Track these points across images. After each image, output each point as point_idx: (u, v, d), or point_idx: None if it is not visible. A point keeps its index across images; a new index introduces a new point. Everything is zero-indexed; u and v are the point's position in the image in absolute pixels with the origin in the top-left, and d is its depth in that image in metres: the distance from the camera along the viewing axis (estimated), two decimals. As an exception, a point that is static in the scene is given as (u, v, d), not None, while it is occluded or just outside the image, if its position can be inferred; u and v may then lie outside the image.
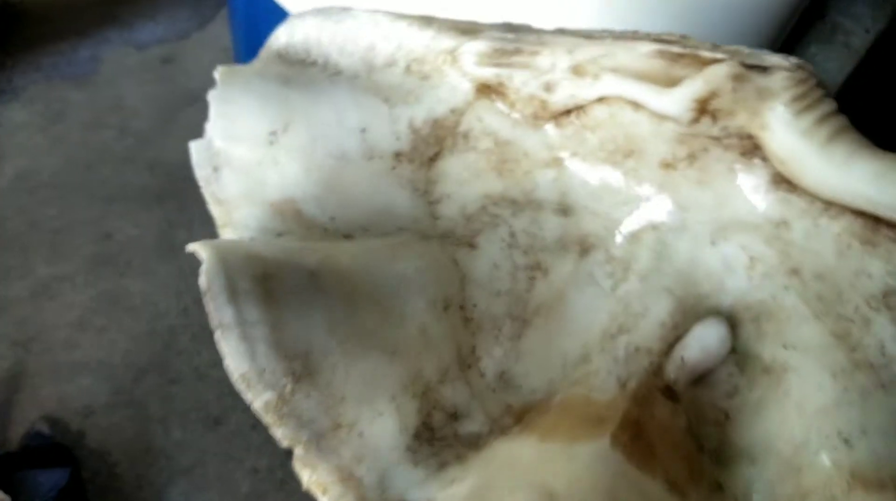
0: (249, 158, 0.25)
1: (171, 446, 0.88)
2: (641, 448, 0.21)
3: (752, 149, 0.25)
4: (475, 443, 0.23)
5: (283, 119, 0.25)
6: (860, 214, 0.23)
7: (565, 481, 0.18)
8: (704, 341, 0.24)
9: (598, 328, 0.26)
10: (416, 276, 0.24)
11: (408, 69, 0.28)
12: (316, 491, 0.20)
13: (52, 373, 0.92)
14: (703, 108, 0.24)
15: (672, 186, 0.26)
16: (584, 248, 0.27)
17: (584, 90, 0.25)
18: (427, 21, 0.28)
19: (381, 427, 0.22)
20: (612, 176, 0.27)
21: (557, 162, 0.27)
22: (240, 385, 0.18)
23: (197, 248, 0.19)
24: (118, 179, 1.09)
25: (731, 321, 0.25)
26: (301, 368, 0.20)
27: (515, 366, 0.26)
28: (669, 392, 0.24)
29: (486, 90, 0.27)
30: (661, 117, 0.25)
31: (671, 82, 0.24)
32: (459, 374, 0.24)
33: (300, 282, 0.20)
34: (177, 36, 1.27)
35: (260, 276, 0.19)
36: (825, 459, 0.21)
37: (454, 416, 0.23)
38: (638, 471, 0.20)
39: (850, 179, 0.22)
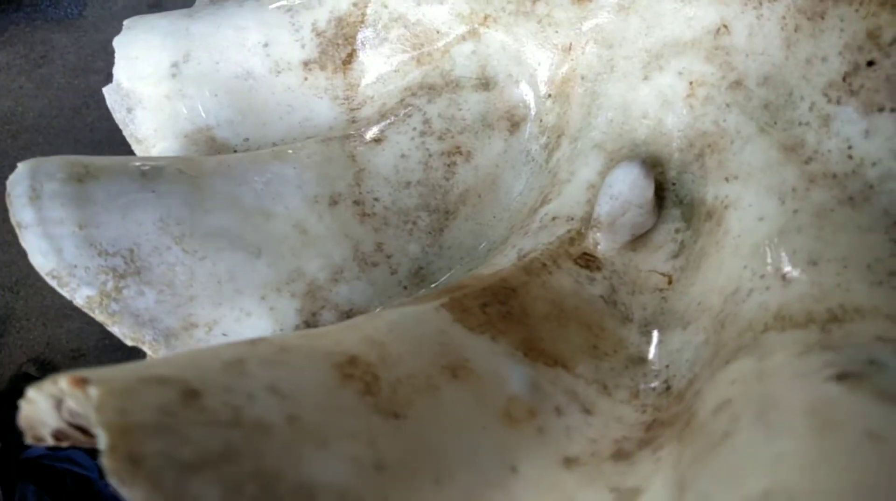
0: (157, 94, 0.25)
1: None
2: (498, 312, 0.17)
3: (669, -52, 0.20)
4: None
5: (183, 49, 0.25)
6: (801, -18, 0.17)
7: (370, 342, 0.15)
8: (613, 188, 0.19)
9: (526, 208, 0.22)
10: (293, 174, 0.22)
11: (315, -24, 0.26)
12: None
13: (41, 316, 0.88)
14: None
15: (592, 21, 0.22)
16: (514, 122, 0.23)
17: (468, -62, 0.22)
18: (326, -79, 0.26)
19: (250, 328, 0.20)
20: (527, 30, 0.23)
21: (473, 33, 0.24)
22: (51, 282, 0.18)
23: (19, 164, 0.19)
24: (105, 124, 1.03)
25: (673, 166, 0.20)
26: (124, 265, 0.19)
27: (437, 261, 0.23)
28: (586, 260, 0.20)
29: (384, -27, 0.25)
30: (546, -61, 0.21)
31: None
32: (359, 273, 0.22)
33: (127, 182, 0.20)
34: None
35: (73, 178, 0.19)
36: (752, 303, 0.16)
37: (349, 314, 0.21)
38: (465, 331, 0.16)
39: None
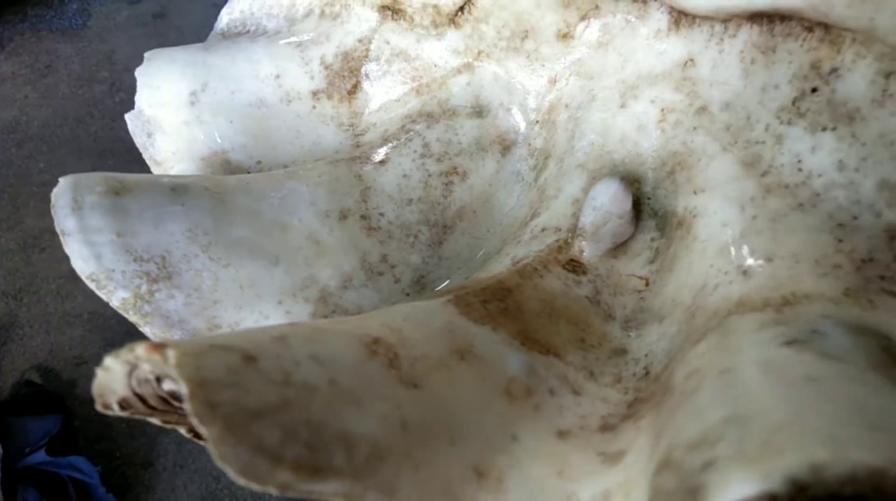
0: (176, 121, 0.27)
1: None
2: (497, 308, 0.19)
3: (641, -8, 0.23)
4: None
5: (201, 80, 0.28)
6: (755, 20, 0.20)
7: (389, 328, 0.17)
8: (596, 200, 0.21)
9: (517, 222, 0.25)
10: (306, 191, 0.24)
11: (322, 14, 0.29)
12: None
13: (44, 324, 0.89)
14: (566, -41, 0.22)
15: (574, 56, 0.24)
16: (505, 146, 0.26)
17: (464, -17, 0.25)
18: (332, -34, 0.29)
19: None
20: (517, 63, 0.25)
21: (468, 66, 0.27)
22: (90, 285, 0.20)
23: (61, 178, 0.21)
24: (109, 133, 1.02)
25: (648, 182, 0.22)
26: (157, 270, 0.21)
27: (437, 270, 0.25)
28: (572, 265, 0.22)
29: (386, 12, 0.27)
30: (534, -16, 0.23)
31: (527, -57, 0.23)
32: (366, 281, 0.24)
33: (158, 196, 0.22)
34: None
35: (111, 191, 0.21)
36: (717, 296, 0.18)
37: (356, 319, 0.23)
38: (469, 321, 0.18)
39: (718, -19, 0.19)
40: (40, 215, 0.97)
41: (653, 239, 0.22)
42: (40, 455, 0.76)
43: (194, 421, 0.11)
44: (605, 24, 0.23)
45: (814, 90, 0.19)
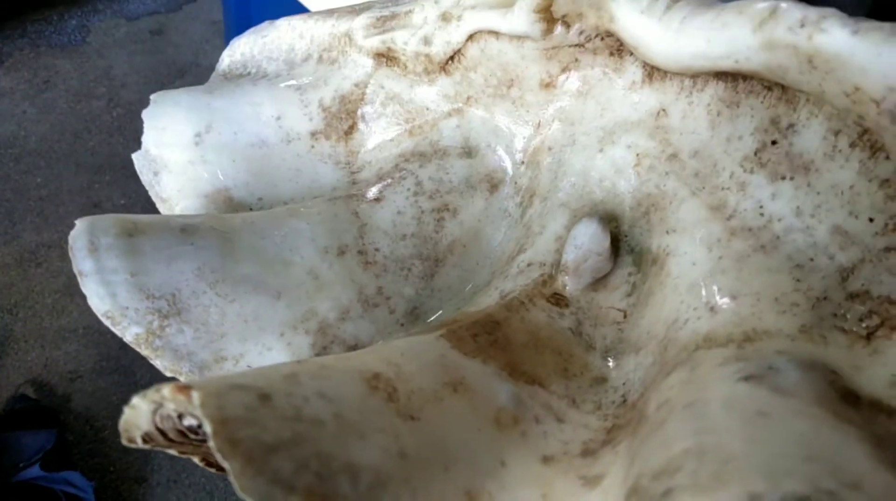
0: (181, 160, 0.29)
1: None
2: (486, 341, 0.21)
3: (618, 47, 0.24)
4: (364, 369, 0.24)
5: (205, 121, 0.29)
6: (721, 77, 0.22)
7: (388, 363, 0.19)
8: (577, 239, 0.23)
9: (505, 256, 0.26)
10: (306, 228, 0.26)
11: (320, 59, 0.31)
12: (204, 416, 0.23)
13: (39, 339, 0.90)
14: (549, 17, 0.24)
15: (557, 104, 0.26)
16: (493, 184, 0.28)
17: (454, 34, 0.27)
18: (330, 12, 0.31)
19: (271, 360, 0.24)
20: (503, 109, 0.27)
21: (458, 110, 0.28)
22: (106, 322, 0.22)
23: (77, 221, 0.23)
24: (107, 149, 1.04)
25: (625, 221, 0.24)
26: (168, 306, 0.22)
27: (429, 302, 0.26)
28: (556, 298, 0.24)
29: (381, 59, 0.29)
30: (519, 38, 0.25)
31: (511, 2, 0.25)
32: (363, 313, 0.25)
33: (169, 237, 0.23)
34: (167, 8, 1.22)
35: (125, 233, 0.23)
36: (688, 330, 0.20)
37: (354, 347, 0.25)
38: (461, 355, 0.20)
39: (686, 41, 0.21)
40: (37, 229, 0.98)
41: (630, 274, 0.24)
42: (34, 470, 0.76)
43: (218, 456, 0.13)
44: (584, 75, 0.25)
45: (773, 142, 0.20)
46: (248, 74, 0.32)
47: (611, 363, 0.22)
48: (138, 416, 0.15)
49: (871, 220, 0.18)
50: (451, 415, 0.17)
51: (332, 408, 0.15)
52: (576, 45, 0.25)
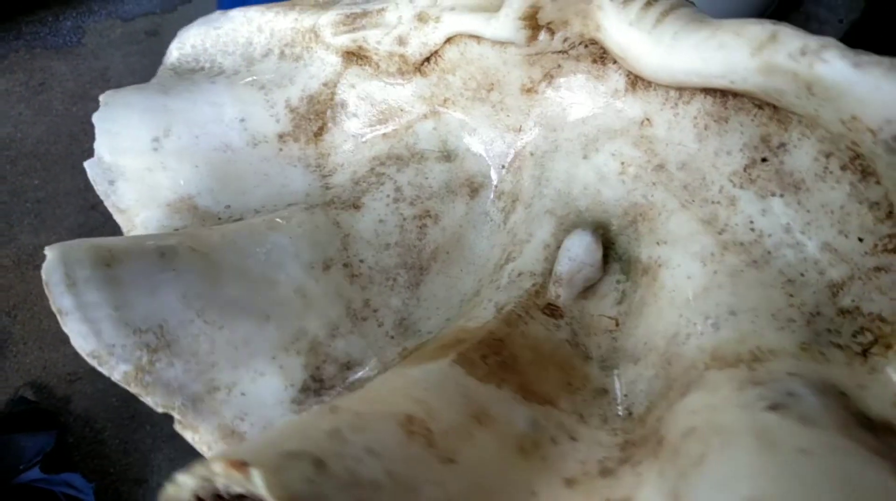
0: (139, 167, 0.27)
1: (156, 412, 0.86)
2: (495, 362, 0.21)
3: (601, 54, 0.24)
4: (362, 386, 0.23)
5: (163, 125, 0.27)
6: (709, 92, 0.22)
7: (415, 401, 0.19)
8: (571, 251, 0.24)
9: (491, 263, 0.27)
10: (289, 243, 0.25)
11: (282, 55, 0.29)
12: (202, 450, 0.22)
13: (37, 341, 0.90)
14: (534, 24, 0.24)
15: (538, 109, 0.26)
16: (473, 189, 0.28)
17: (431, 35, 0.26)
18: (291, 5, 0.29)
19: (265, 386, 0.23)
20: (482, 112, 0.27)
21: (434, 112, 0.28)
22: (91, 362, 0.20)
23: (46, 250, 0.21)
24: None
25: (612, 229, 0.25)
26: (156, 340, 0.21)
27: (417, 312, 0.26)
28: (551, 309, 0.24)
29: (351, 57, 0.28)
30: (502, 44, 0.25)
31: (497, 7, 0.24)
32: (352, 328, 0.25)
33: (148, 264, 0.22)
34: (162, 8, 1.21)
35: (101, 263, 0.21)
36: (691, 346, 0.20)
37: (347, 365, 0.24)
38: (477, 382, 0.20)
39: (679, 57, 0.21)
40: (35, 231, 0.98)
41: (618, 281, 0.24)
42: (34, 473, 0.78)
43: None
44: (566, 81, 0.25)
45: (764, 159, 0.21)
46: (202, 68, 0.30)
47: (609, 373, 0.23)
48: (181, 492, 0.14)
49: (860, 240, 0.19)
50: (483, 452, 0.18)
51: (383, 465, 0.15)
52: (559, 52, 0.25)
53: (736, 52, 0.20)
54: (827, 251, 0.20)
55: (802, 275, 0.21)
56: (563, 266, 0.24)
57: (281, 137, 0.28)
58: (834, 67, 0.18)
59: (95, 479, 0.83)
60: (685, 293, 0.22)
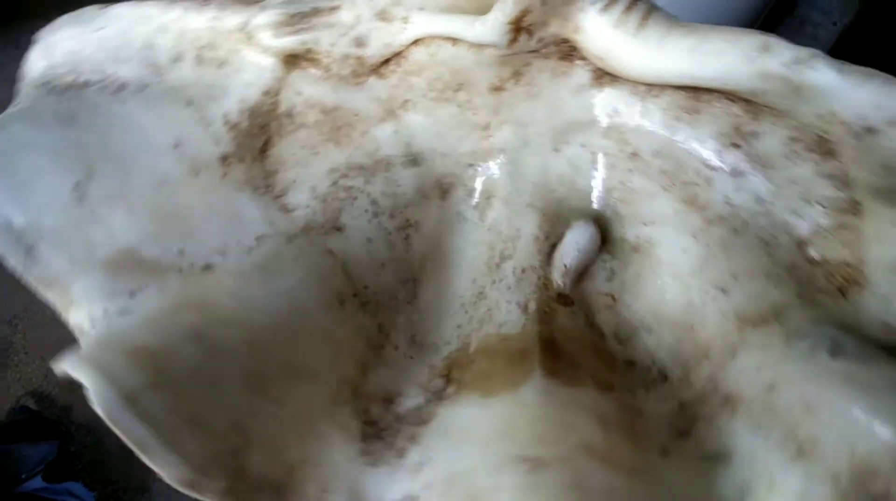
0: (63, 224, 0.21)
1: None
2: (565, 364, 0.22)
3: (569, 52, 0.26)
4: (420, 417, 0.23)
5: (83, 167, 0.22)
6: (681, 87, 0.25)
7: (532, 436, 0.19)
8: (579, 243, 0.25)
9: (480, 262, 0.27)
10: (300, 286, 0.22)
11: (199, 59, 0.25)
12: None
13: (39, 349, 0.91)
14: (518, 27, 0.24)
15: (506, 107, 0.26)
16: (443, 190, 0.27)
17: (397, 36, 0.24)
18: (202, 1, 0.24)
19: (331, 448, 0.21)
20: (447, 113, 0.26)
21: (392, 114, 0.26)
22: (185, 490, 0.17)
23: (72, 371, 0.16)
24: None
25: (593, 214, 0.27)
26: (238, 439, 0.18)
27: (422, 325, 0.26)
28: (563, 299, 0.26)
29: (295, 61, 0.25)
30: (481, 46, 0.24)
31: (481, 10, 0.24)
32: (376, 359, 0.24)
33: (192, 357, 0.18)
34: None
35: (153, 374, 0.17)
36: (712, 311, 0.24)
37: (388, 400, 0.23)
38: (570, 389, 0.21)
39: (669, 60, 0.24)
40: None
41: (603, 261, 0.27)
42: (37, 482, 0.77)
43: None
44: (533, 77, 0.26)
45: (736, 145, 0.25)
46: (87, 83, 0.24)
47: (626, 347, 0.25)
48: None
49: (822, 205, 0.24)
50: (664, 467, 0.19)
51: None
52: (530, 52, 0.25)
53: (733, 59, 0.23)
54: (793, 215, 0.25)
55: (774, 236, 0.25)
56: (572, 258, 0.25)
57: (224, 159, 0.24)
58: (822, 73, 0.22)
59: (97, 488, 0.83)
60: (685, 266, 0.25)
